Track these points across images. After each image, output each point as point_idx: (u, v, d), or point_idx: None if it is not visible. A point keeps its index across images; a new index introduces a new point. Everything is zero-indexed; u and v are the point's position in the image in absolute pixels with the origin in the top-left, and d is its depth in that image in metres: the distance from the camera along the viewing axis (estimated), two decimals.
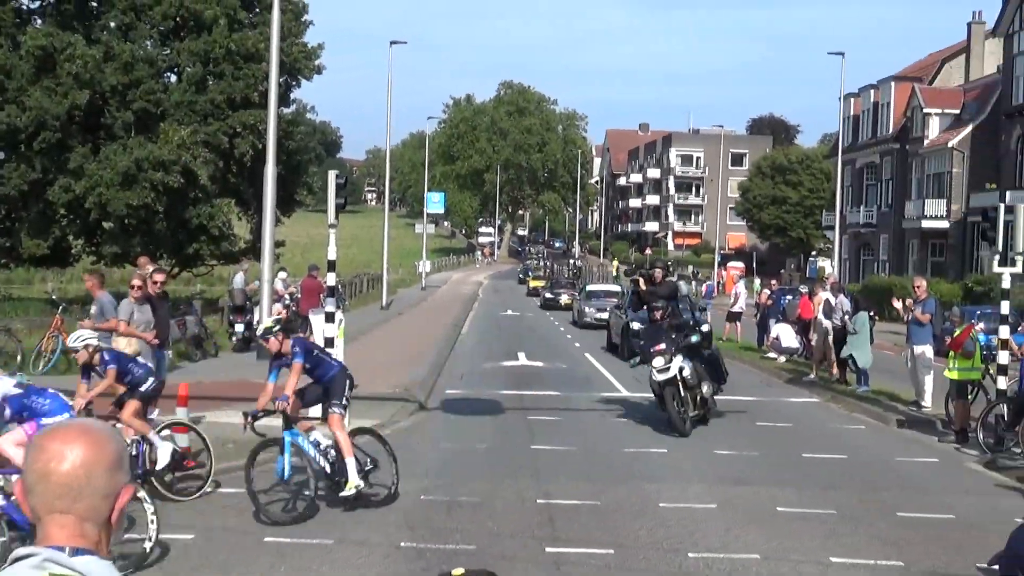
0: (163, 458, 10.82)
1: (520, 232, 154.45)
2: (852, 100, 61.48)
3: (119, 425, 11.93)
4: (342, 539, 9.65)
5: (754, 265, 79.42)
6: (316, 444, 10.70)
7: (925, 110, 55.30)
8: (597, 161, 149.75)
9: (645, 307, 18.02)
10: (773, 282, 38.34)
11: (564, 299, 52.63)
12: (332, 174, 16.90)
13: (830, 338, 22.86)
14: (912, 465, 14.48)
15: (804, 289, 31.46)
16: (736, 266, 74.94)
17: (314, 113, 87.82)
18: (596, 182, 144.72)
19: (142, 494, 8.75)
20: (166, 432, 11.29)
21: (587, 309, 40.95)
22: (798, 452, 14.94)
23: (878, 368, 22.04)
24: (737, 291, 36.06)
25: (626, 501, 11.48)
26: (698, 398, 16.62)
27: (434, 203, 77.20)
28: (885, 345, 28.59)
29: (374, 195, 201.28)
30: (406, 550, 9.39)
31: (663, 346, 16.36)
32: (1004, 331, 16.26)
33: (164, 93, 38.36)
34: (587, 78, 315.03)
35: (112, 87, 36.48)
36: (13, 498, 8.08)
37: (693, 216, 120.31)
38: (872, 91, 61.26)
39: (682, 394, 16.19)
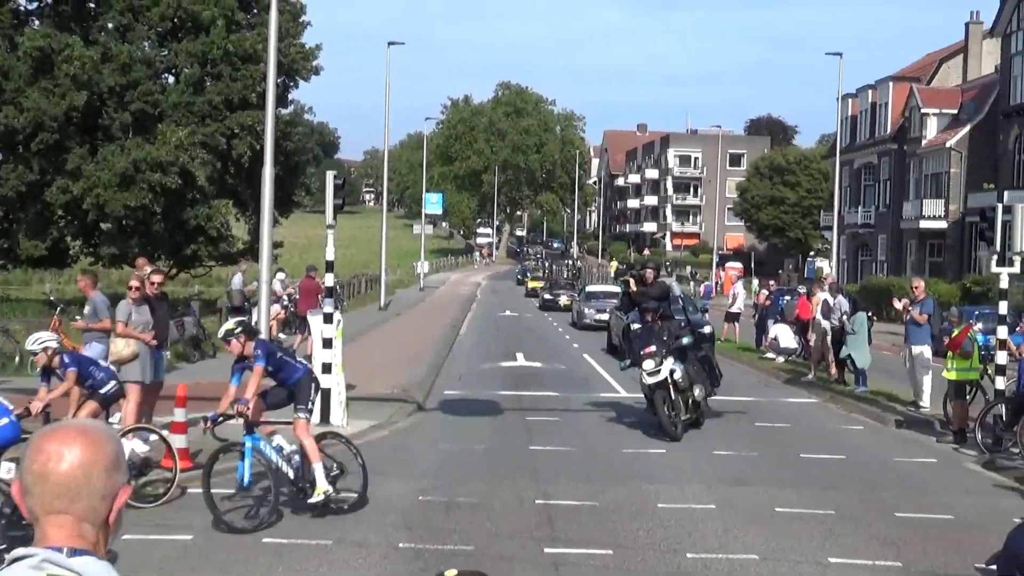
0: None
1: (518, 233, 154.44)
2: (850, 100, 61.52)
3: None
4: (341, 540, 9.64)
5: (752, 266, 79.39)
6: (279, 449, 10.42)
7: (923, 110, 55.33)
8: (595, 162, 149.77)
9: (636, 308, 17.59)
10: (771, 283, 38.31)
11: (563, 300, 52.12)
12: (330, 175, 16.90)
13: (828, 338, 22.86)
14: (911, 465, 14.48)
15: (802, 289, 31.50)
16: (734, 267, 74.98)
17: (312, 114, 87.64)
18: (594, 183, 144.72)
19: None
20: (128, 436, 11.02)
21: (587, 310, 40.66)
22: (796, 452, 14.94)
23: (876, 368, 22.05)
24: (735, 292, 36.08)
25: (625, 502, 11.48)
26: (690, 401, 16.25)
27: (432, 204, 77.15)
28: (883, 345, 28.60)
29: (372, 196, 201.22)
30: (404, 551, 9.39)
31: (653, 348, 15.95)
32: (1002, 331, 16.26)
33: (162, 94, 38.35)
34: (585, 79, 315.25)
35: (110, 88, 36.47)
36: None
37: (691, 217, 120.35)
38: (870, 91, 61.30)
39: (673, 397, 15.82)
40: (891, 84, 59.53)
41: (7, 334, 21.89)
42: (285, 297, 29.70)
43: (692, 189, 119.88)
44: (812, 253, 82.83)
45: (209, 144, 37.49)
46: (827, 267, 54.85)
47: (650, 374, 15.83)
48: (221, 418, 10.38)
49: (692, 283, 72.58)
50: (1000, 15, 50.16)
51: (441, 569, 2.88)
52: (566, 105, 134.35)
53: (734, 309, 34.44)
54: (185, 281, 47.55)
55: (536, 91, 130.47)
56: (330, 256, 16.82)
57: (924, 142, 55.21)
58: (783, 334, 27.64)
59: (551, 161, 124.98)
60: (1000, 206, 16.42)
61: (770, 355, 28.01)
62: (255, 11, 40.71)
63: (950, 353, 16.35)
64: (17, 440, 9.21)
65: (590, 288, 46.95)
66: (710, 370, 17.50)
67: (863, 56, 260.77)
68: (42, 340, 10.79)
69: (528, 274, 77.11)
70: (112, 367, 12.06)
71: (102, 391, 10.93)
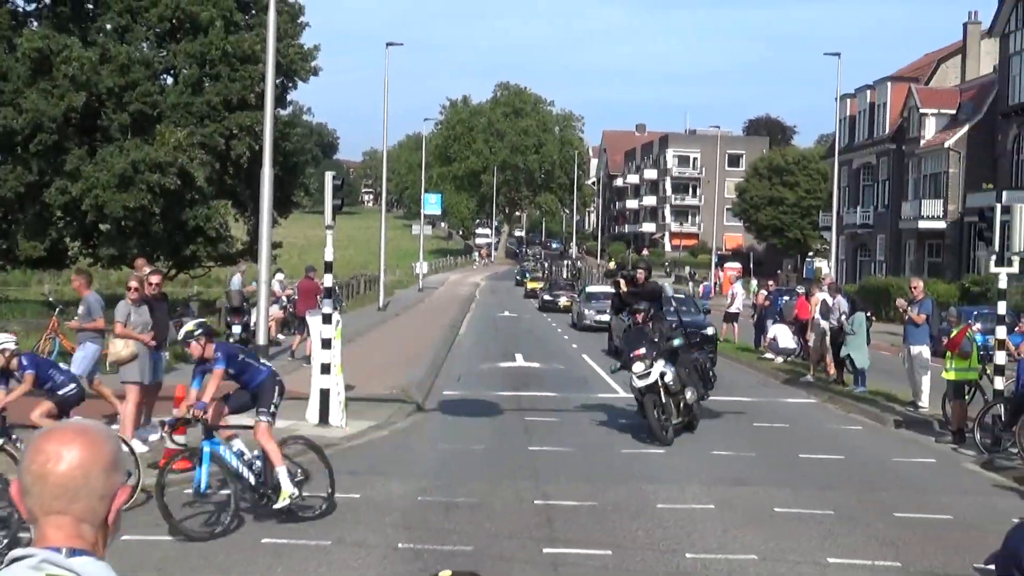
0: None
1: (517, 233, 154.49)
2: (848, 101, 61.55)
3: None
4: (340, 540, 9.64)
5: (751, 266, 79.41)
6: (239, 454, 10.11)
7: (921, 110, 55.36)
8: (594, 162, 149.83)
9: (627, 309, 17.27)
10: (770, 283, 38.28)
11: (563, 301, 51.56)
12: (329, 175, 16.90)
13: (827, 339, 22.87)
14: (909, 465, 14.49)
15: (801, 290, 31.51)
16: (733, 267, 75.00)
17: (311, 115, 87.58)
18: (593, 183, 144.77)
19: None
20: None
21: (587, 311, 40.28)
22: (795, 453, 14.95)
23: (875, 368, 22.06)
24: (734, 292, 36.09)
25: (624, 502, 11.48)
26: (681, 404, 15.80)
27: (431, 204, 77.18)
28: (882, 345, 28.61)
29: (371, 196, 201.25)
30: (404, 551, 9.39)
31: (643, 350, 15.51)
32: (1001, 331, 16.26)
33: (160, 95, 38.34)
34: (585, 78, 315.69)
35: (108, 89, 36.47)
36: None
37: (690, 217, 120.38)
38: (868, 91, 61.33)
39: (664, 400, 15.39)
40: (889, 84, 59.56)
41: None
42: (284, 298, 29.70)
43: (691, 189, 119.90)
44: (811, 253, 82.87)
45: (208, 145, 37.49)
46: (826, 267, 54.91)
47: (640, 377, 15.43)
48: (179, 422, 10.22)
49: (691, 283, 72.54)
50: (998, 15, 50.17)
51: (436, 570, 2.88)
52: (565, 105, 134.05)
53: (733, 309, 34.45)
54: (184, 282, 47.57)
55: (535, 91, 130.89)
56: (329, 257, 16.82)
57: (923, 142, 55.24)
58: (782, 334, 27.65)
59: (550, 161, 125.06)
60: (999, 206, 16.42)
61: (769, 355, 28.02)
62: (253, 12, 40.70)
63: (949, 353, 16.36)
64: None
65: (590, 289, 46.55)
66: (703, 373, 17.12)
67: (862, 56, 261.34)
68: (0, 342, 10.74)
69: (527, 275, 76.96)
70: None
71: (60, 392, 10.83)
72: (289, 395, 18.11)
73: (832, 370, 22.85)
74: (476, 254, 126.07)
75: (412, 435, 16.09)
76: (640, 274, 17.39)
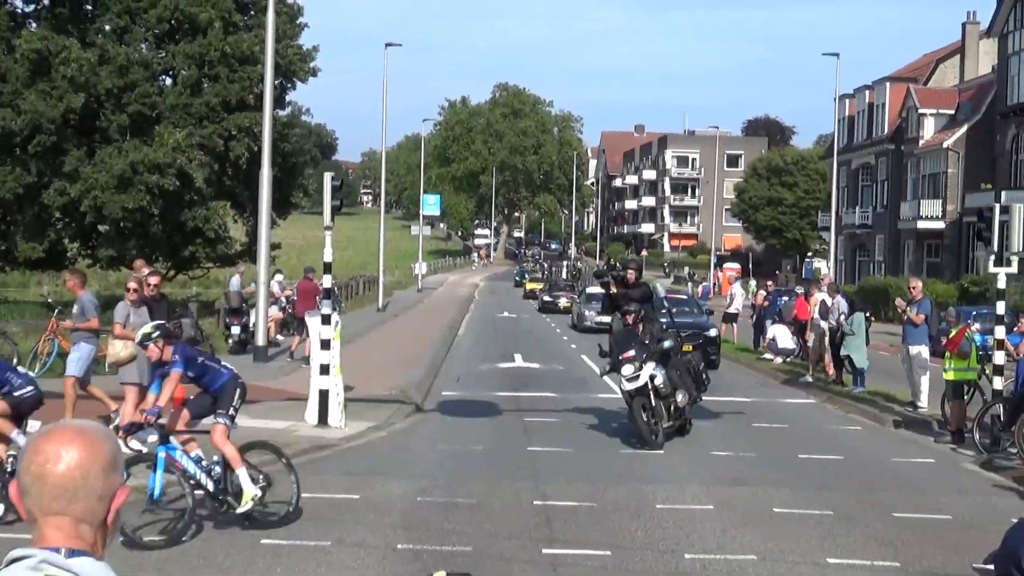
0: None
1: (516, 234, 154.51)
2: (847, 101, 61.58)
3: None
4: (339, 541, 9.64)
5: (750, 266, 79.44)
6: (197, 460, 9.80)
7: (920, 111, 55.38)
8: (593, 163, 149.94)
9: (617, 311, 16.90)
10: (769, 283, 38.26)
11: (563, 302, 51.20)
12: (327, 176, 16.89)
13: (826, 339, 22.87)
14: (908, 466, 14.49)
15: (800, 290, 31.51)
16: (732, 267, 74.99)
17: (309, 115, 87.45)
18: (592, 184, 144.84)
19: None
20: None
21: (587, 312, 39.88)
22: (794, 453, 14.95)
23: (874, 369, 22.07)
24: (733, 292, 36.11)
25: (623, 502, 11.48)
26: (672, 408, 15.42)
27: (430, 205, 77.16)
28: (881, 346, 28.62)
29: (370, 197, 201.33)
30: (403, 552, 9.39)
31: (632, 352, 15.12)
32: (1000, 331, 16.27)
33: (159, 96, 38.33)
34: (584, 79, 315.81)
35: (107, 90, 36.45)
36: None
37: (689, 217, 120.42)
38: (867, 92, 61.37)
39: (653, 404, 14.99)
40: (888, 84, 59.59)
41: (5, 336, 21.91)
42: (283, 299, 29.70)
43: (690, 190, 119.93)
44: (810, 254, 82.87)
45: (207, 146, 37.48)
46: (825, 268, 54.90)
47: (629, 380, 15.05)
48: (134, 427, 10.01)
49: (690, 284, 72.54)
50: (997, 15, 50.20)
51: (431, 571, 2.88)
52: (564, 106, 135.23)
53: (732, 310, 34.46)
54: (183, 283, 47.56)
55: (534, 92, 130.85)
56: (328, 257, 16.82)
57: (921, 142, 55.26)
58: (781, 335, 27.65)
59: (549, 162, 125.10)
60: (997, 206, 16.46)
61: (768, 356, 28.02)
62: (252, 13, 40.68)
63: (948, 353, 16.37)
64: None
65: (590, 290, 46.06)
66: (696, 374, 16.82)
67: (860, 56, 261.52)
68: None
69: (526, 275, 76.85)
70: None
71: (16, 395, 10.72)
72: (289, 396, 18.26)
73: (831, 370, 22.86)
74: (475, 255, 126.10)
75: (411, 436, 16.09)
76: (631, 274, 17.00)
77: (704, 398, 17.91)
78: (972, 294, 42.17)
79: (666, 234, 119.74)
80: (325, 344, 16.09)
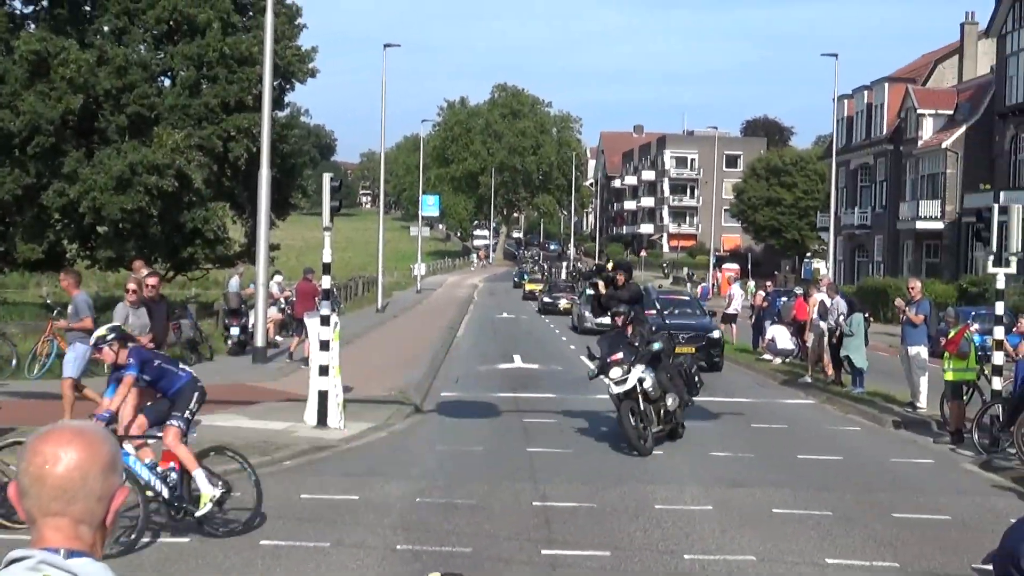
0: None
1: (515, 235, 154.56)
2: (846, 101, 61.61)
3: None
4: (339, 542, 9.64)
5: (749, 267, 79.46)
6: (152, 466, 9.57)
7: (919, 111, 55.40)
8: (592, 163, 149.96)
9: (606, 312, 16.54)
10: (768, 284, 38.29)
11: (563, 303, 50.69)
12: (326, 177, 16.88)
13: (825, 339, 22.87)
14: (907, 466, 14.49)
15: (799, 291, 31.51)
16: (731, 268, 75.05)
17: (308, 116, 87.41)
18: (591, 184, 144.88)
19: None
20: None
21: (588, 314, 39.79)
22: (793, 453, 14.95)
23: (873, 369, 22.07)
24: (732, 293, 36.12)
25: (622, 503, 11.49)
26: (662, 412, 15.03)
27: (429, 206, 77.15)
28: (880, 346, 28.62)
29: (369, 198, 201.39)
30: (402, 553, 9.39)
31: (620, 355, 14.74)
32: (999, 332, 16.27)
33: (158, 97, 38.32)
34: (582, 80, 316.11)
35: (106, 91, 36.45)
36: None
37: (688, 218, 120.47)
38: (866, 92, 61.39)
39: (643, 408, 14.61)
40: (887, 85, 59.61)
41: (4, 337, 21.90)
42: (282, 299, 29.70)
43: (689, 190, 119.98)
44: (809, 254, 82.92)
45: (205, 147, 37.47)
46: (824, 268, 54.90)
47: (617, 383, 14.66)
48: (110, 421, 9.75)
49: (689, 284, 72.56)
50: (995, 16, 50.22)
51: (429, 572, 2.88)
52: (563, 106, 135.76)
53: (731, 310, 34.45)
54: (182, 284, 47.52)
55: (532, 93, 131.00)
56: (327, 258, 16.81)
57: (920, 143, 55.27)
58: (780, 335, 27.65)
59: (547, 163, 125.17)
60: (996, 206, 16.49)
61: (767, 356, 28.02)
62: (251, 14, 40.68)
63: (947, 354, 16.37)
64: None
65: (591, 291, 45.80)
66: (688, 377, 16.38)
67: (859, 56, 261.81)
68: None
69: (525, 276, 76.68)
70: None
71: None
72: (288, 397, 18.25)
73: (830, 371, 22.86)
74: (474, 256, 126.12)
75: (410, 437, 16.09)
76: (620, 275, 16.65)
77: (703, 399, 17.92)
78: (971, 294, 42.18)
79: (665, 235, 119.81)
80: (324, 345, 16.08)
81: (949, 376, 16.36)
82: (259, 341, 24.49)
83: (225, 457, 10.40)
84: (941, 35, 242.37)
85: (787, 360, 27.09)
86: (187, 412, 9.76)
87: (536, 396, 21.00)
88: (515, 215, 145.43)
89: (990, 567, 3.68)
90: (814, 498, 11.93)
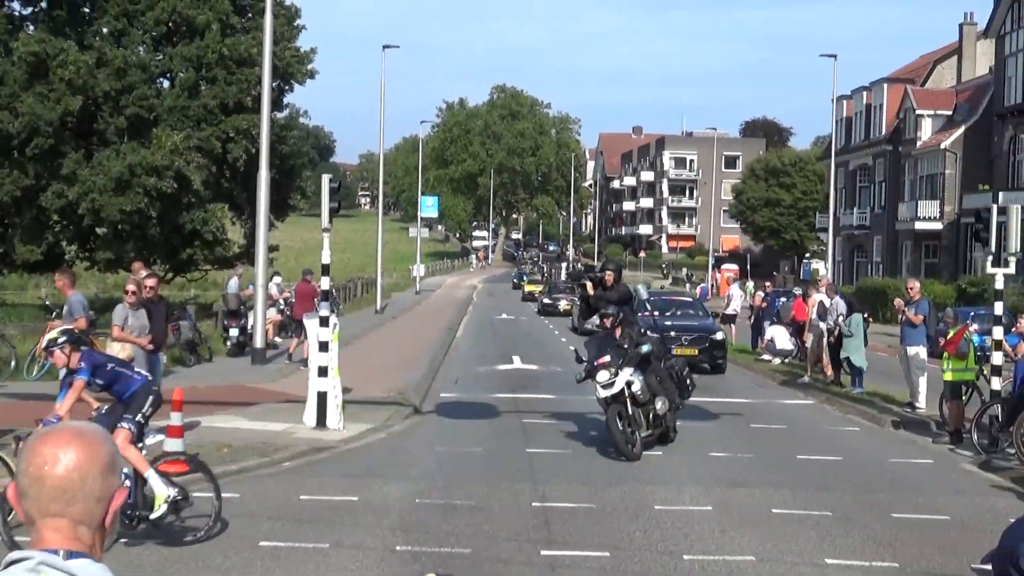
0: None
1: (514, 236, 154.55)
2: (845, 102, 61.63)
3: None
4: (338, 543, 9.64)
5: (748, 267, 79.49)
6: None
7: (917, 112, 55.41)
8: (590, 164, 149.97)
9: (595, 314, 16.12)
10: (767, 284, 38.31)
11: (563, 305, 50.27)
12: (325, 178, 16.88)
13: (824, 340, 22.88)
14: (907, 466, 14.50)
15: (798, 291, 31.52)
16: (730, 268, 75.09)
17: (307, 117, 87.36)
18: (590, 185, 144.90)
19: None
20: None
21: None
22: (793, 454, 14.96)
23: (872, 369, 22.08)
24: (731, 294, 36.12)
25: (621, 503, 11.49)
26: (651, 416, 14.65)
27: (428, 207, 77.16)
28: (879, 347, 28.62)
29: (368, 199, 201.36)
30: (401, 554, 9.39)
31: (608, 358, 14.37)
32: (998, 332, 16.28)
33: (157, 98, 38.31)
34: (581, 81, 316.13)
35: (105, 93, 36.44)
36: None
37: (687, 219, 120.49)
38: (864, 93, 61.41)
39: (630, 412, 14.24)
40: (885, 86, 59.64)
41: (3, 339, 21.90)
42: (281, 301, 29.70)
43: (688, 191, 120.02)
44: (808, 255, 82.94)
45: (204, 148, 37.47)
46: (823, 269, 54.94)
47: (604, 386, 14.28)
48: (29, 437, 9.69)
49: (688, 285, 72.57)
50: (994, 16, 50.24)
51: (427, 573, 2.89)
52: (561, 108, 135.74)
53: (730, 311, 34.46)
54: (181, 285, 47.53)
55: (531, 94, 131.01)
56: (326, 260, 16.82)
57: (919, 143, 55.29)
58: (779, 336, 27.66)
59: (546, 164, 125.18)
60: (995, 207, 16.46)
61: (766, 357, 28.03)
62: (250, 15, 40.69)
63: (946, 354, 16.38)
64: None
65: (580, 291, 45.62)
66: (680, 380, 15.87)
67: (858, 57, 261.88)
68: None
69: (525, 278, 76.55)
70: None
71: None
72: (287, 398, 18.25)
73: (829, 371, 22.87)
74: (473, 257, 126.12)
75: (409, 438, 16.09)
76: (609, 276, 16.21)
77: (703, 399, 17.92)
78: (970, 295, 42.18)
79: (664, 235, 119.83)
80: (323, 346, 16.08)
81: (948, 376, 16.37)
82: (258, 342, 24.49)
83: (180, 460, 10.17)
84: (940, 36, 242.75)
85: (786, 360, 27.10)
86: (139, 415, 9.57)
87: (535, 397, 20.99)
88: (514, 216, 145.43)
89: (989, 567, 3.68)
90: (813, 498, 11.93)
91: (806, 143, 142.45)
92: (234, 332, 26.20)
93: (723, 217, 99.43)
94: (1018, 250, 15.89)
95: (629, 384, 14.32)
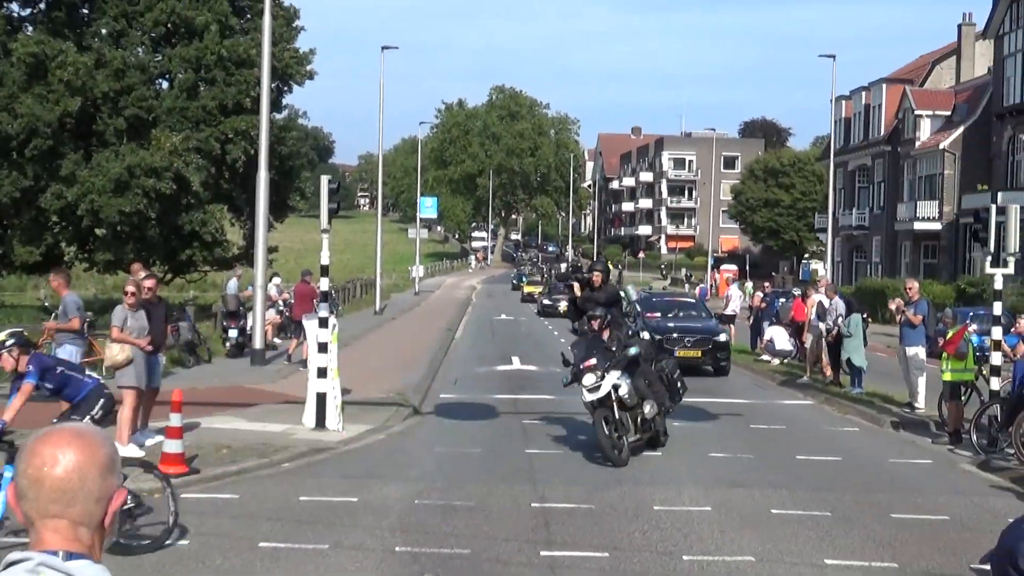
0: None
1: (513, 237, 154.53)
2: (844, 103, 61.66)
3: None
4: (337, 544, 9.64)
5: (747, 268, 79.53)
6: None
7: (916, 112, 55.43)
8: (590, 165, 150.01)
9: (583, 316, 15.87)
10: (766, 285, 38.34)
11: (563, 306, 50.28)
12: (324, 179, 16.88)
13: (823, 340, 22.88)
14: (906, 466, 14.50)
15: (797, 292, 31.52)
16: (729, 269, 75.13)
17: (306, 118, 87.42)
18: (589, 186, 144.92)
19: None
20: None
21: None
22: (792, 454, 14.95)
23: (872, 370, 22.08)
24: (730, 294, 36.09)
25: (621, 504, 11.48)
26: (639, 420, 14.25)
27: (427, 208, 77.16)
28: (878, 347, 28.63)
29: (367, 200, 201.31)
30: (401, 554, 9.38)
31: (594, 361, 14.02)
32: (997, 332, 16.28)
33: (156, 99, 38.35)
34: (581, 80, 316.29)
35: (104, 94, 36.46)
36: None
37: (686, 219, 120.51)
38: (863, 93, 61.44)
39: (617, 416, 13.86)
40: (884, 86, 59.66)
41: None
42: (280, 302, 29.69)
43: (687, 192, 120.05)
44: (807, 255, 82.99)
45: (203, 149, 37.49)
46: (822, 269, 54.97)
47: (590, 390, 13.94)
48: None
49: (687, 286, 72.58)
50: (992, 17, 50.26)
51: (424, 574, 2.89)
52: (560, 108, 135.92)
53: (729, 312, 34.42)
54: (180, 286, 47.55)
55: (530, 94, 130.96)
56: (325, 260, 16.81)
57: (918, 144, 55.31)
58: (778, 336, 27.67)
59: (545, 165, 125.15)
60: (994, 207, 16.46)
61: (765, 357, 28.03)
62: (249, 16, 40.74)
63: (945, 354, 16.38)
64: None
65: (567, 292, 45.45)
66: (670, 383, 15.48)
67: (857, 58, 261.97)
68: None
69: (524, 278, 76.40)
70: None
71: None
72: (286, 399, 18.24)
73: (828, 372, 22.87)
74: (472, 257, 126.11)
75: (409, 439, 16.08)
76: (596, 276, 15.98)
77: (702, 399, 17.91)
78: (969, 295, 42.19)
79: (663, 236, 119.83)
80: (322, 347, 16.08)
81: (947, 376, 16.37)
82: (257, 343, 24.48)
83: (150, 476, 9.83)
84: (939, 36, 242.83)
85: (785, 361, 27.10)
86: (87, 418, 9.45)
87: (535, 398, 20.97)
88: (513, 217, 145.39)
89: (988, 567, 3.68)
90: (813, 499, 11.93)
91: (805, 143, 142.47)
92: (233, 333, 26.19)
93: (722, 218, 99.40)
94: (1017, 250, 15.91)
95: (616, 388, 13.96)
